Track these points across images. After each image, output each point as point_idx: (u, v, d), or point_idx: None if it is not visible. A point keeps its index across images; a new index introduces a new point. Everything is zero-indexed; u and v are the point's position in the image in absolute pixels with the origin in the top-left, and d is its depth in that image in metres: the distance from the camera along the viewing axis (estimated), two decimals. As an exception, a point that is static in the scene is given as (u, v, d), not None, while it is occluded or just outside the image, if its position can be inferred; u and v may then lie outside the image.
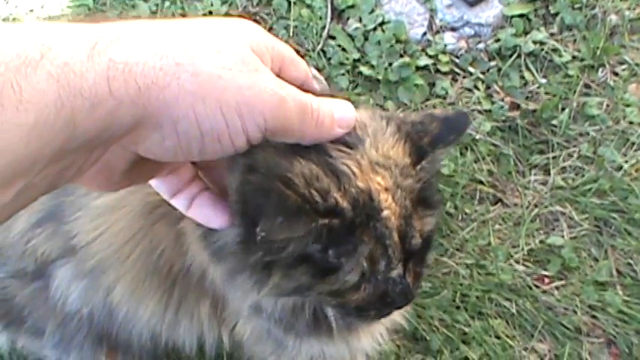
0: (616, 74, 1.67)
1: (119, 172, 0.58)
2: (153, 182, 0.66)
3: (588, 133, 1.60)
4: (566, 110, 1.61)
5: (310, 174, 0.63)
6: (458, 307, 1.44)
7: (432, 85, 1.70)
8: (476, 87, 1.69)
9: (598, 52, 1.66)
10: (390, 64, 1.70)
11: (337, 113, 0.62)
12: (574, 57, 1.69)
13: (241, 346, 1.08)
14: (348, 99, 0.66)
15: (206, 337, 1.03)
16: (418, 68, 1.70)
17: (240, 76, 0.52)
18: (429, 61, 1.71)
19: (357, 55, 1.74)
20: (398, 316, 0.99)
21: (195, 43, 0.51)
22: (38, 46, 0.45)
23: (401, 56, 1.72)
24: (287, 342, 0.95)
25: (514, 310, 1.43)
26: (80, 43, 0.47)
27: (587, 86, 1.66)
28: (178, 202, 0.66)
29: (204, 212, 0.66)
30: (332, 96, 0.64)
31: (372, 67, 1.71)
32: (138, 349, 1.10)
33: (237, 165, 0.64)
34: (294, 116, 0.57)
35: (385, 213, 0.66)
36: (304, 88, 0.60)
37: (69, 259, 1.01)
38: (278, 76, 0.58)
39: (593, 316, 1.43)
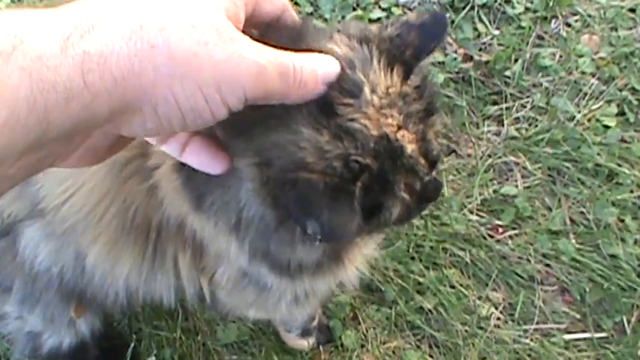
0: (569, 25, 1.67)
1: (104, 150, 0.57)
2: None
3: (541, 84, 1.60)
4: (519, 61, 1.61)
5: (321, 145, 0.62)
6: (412, 258, 1.43)
7: (386, 38, 1.67)
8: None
9: (551, 4, 1.66)
10: (343, 17, 1.67)
11: (321, 70, 0.60)
12: (527, 8, 1.68)
13: (216, 300, 1.05)
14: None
15: (186, 288, 1.00)
16: (371, 21, 1.68)
17: (215, 49, 0.50)
18: (382, 14, 1.69)
19: (310, 9, 1.71)
20: (373, 250, 1.00)
21: (168, 19, 0.49)
22: (10, 37, 0.43)
23: (354, 9, 1.70)
24: (271, 285, 0.93)
25: (468, 260, 1.42)
26: (54, 35, 0.45)
27: (540, 37, 1.66)
28: (169, 148, 0.64)
29: (201, 159, 0.64)
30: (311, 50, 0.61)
31: (325, 20, 1.69)
32: (112, 305, 1.06)
33: (242, 151, 0.63)
34: (276, 82, 0.55)
35: (409, 149, 0.66)
36: (283, 25, 0.59)
37: (37, 219, 0.97)
38: (254, 14, 0.56)
39: (547, 265, 1.43)
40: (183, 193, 0.76)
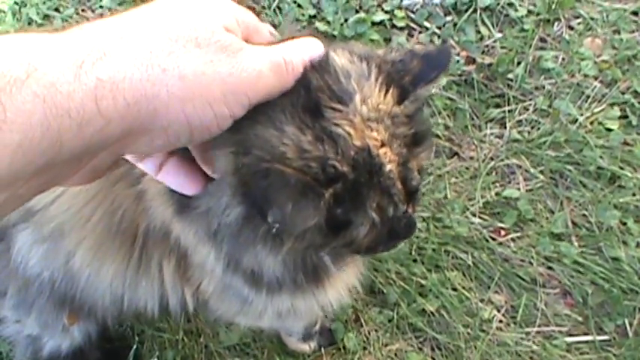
0: (571, 28, 1.67)
1: (103, 169, 0.58)
2: None
3: (544, 87, 1.59)
4: (522, 64, 1.60)
5: (302, 144, 0.62)
6: (415, 260, 1.43)
7: (388, 40, 1.68)
8: (432, 42, 1.67)
9: (553, 6, 1.66)
10: (346, 20, 1.67)
11: (307, 54, 0.62)
12: (530, 11, 1.68)
13: (206, 307, 1.06)
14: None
15: (170, 296, 1.01)
16: (374, 24, 1.68)
17: (221, 65, 0.53)
18: (385, 17, 1.68)
19: (312, 12, 1.71)
20: (355, 278, 1.00)
21: (175, 42, 0.51)
22: (24, 64, 0.44)
23: (357, 12, 1.69)
24: (251, 298, 0.93)
25: (470, 263, 1.42)
26: (67, 62, 0.46)
27: (542, 40, 1.65)
28: (146, 167, 0.65)
29: (176, 179, 0.66)
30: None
31: (328, 23, 1.69)
32: (102, 311, 1.07)
33: (224, 141, 0.63)
34: (273, 80, 0.58)
35: (387, 167, 0.65)
36: None
37: (28, 223, 0.98)
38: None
39: (549, 267, 1.43)
40: (169, 197, 0.77)
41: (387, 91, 0.66)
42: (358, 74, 0.66)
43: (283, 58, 0.59)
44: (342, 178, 0.63)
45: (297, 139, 0.62)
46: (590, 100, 1.56)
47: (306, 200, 0.62)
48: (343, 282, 0.95)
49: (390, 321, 1.38)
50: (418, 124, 0.69)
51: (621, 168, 1.48)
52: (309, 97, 0.63)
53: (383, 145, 0.65)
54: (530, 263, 1.42)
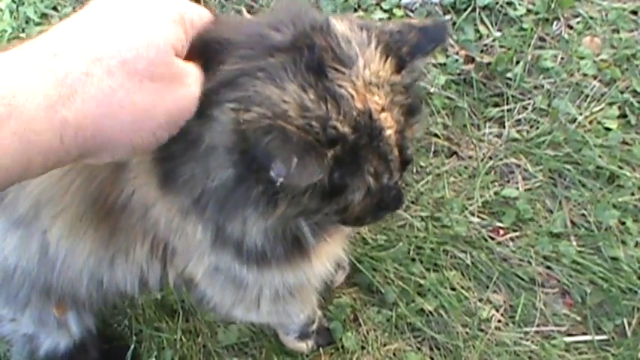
0: (570, 27, 1.66)
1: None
2: None
3: (543, 86, 1.59)
4: (521, 63, 1.60)
5: (305, 102, 0.63)
6: (413, 260, 1.42)
7: (387, 39, 1.67)
8: (430, 40, 1.66)
9: (552, 5, 1.65)
10: (345, 19, 1.67)
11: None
12: (529, 10, 1.67)
13: (202, 300, 1.06)
14: None
15: (149, 277, 0.99)
16: (373, 22, 1.68)
17: (168, 95, 0.61)
18: (384, 15, 1.68)
19: (310, 10, 1.70)
20: (340, 249, 0.99)
21: (133, 77, 0.58)
22: (6, 105, 0.52)
23: (355, 10, 1.69)
24: (244, 277, 0.93)
25: (469, 262, 1.42)
26: (41, 101, 0.54)
27: (541, 39, 1.65)
28: None
29: None
30: None
31: (326, 21, 1.68)
32: (87, 298, 1.05)
33: (222, 98, 0.64)
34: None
35: (387, 132, 0.67)
36: None
37: (3, 210, 0.95)
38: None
39: (548, 267, 1.43)
40: (153, 169, 0.78)
41: (385, 61, 0.68)
42: (358, 42, 0.68)
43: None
44: (343, 140, 0.65)
45: (300, 97, 0.63)
46: (589, 100, 1.56)
47: (309, 156, 0.62)
48: (328, 253, 0.95)
49: (388, 320, 1.38)
50: (413, 95, 0.72)
51: (620, 167, 1.47)
52: (313, 56, 0.64)
53: (383, 110, 0.67)
54: (529, 263, 1.42)
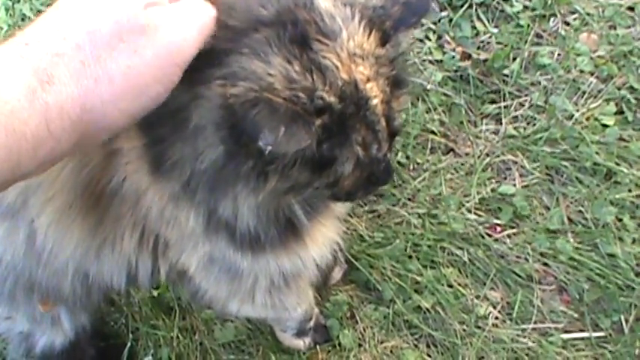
0: (567, 24, 1.66)
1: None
2: None
3: (540, 83, 1.59)
4: (518, 60, 1.60)
5: (290, 74, 0.64)
6: (410, 257, 1.42)
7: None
8: (427, 37, 1.66)
9: (549, 2, 1.65)
10: (341, 16, 1.66)
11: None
12: (525, 7, 1.67)
13: (196, 293, 1.04)
14: None
15: (138, 271, 0.97)
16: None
17: (145, 50, 0.58)
18: (381, 12, 1.67)
19: (307, 7, 1.69)
20: (335, 233, 0.99)
21: (102, 42, 0.56)
22: None
23: (351, 7, 1.68)
24: (238, 264, 0.92)
25: (466, 259, 1.42)
26: (22, 89, 0.53)
27: (538, 36, 1.65)
28: None
29: None
30: None
31: (323, 19, 1.67)
32: (70, 294, 1.03)
33: (208, 77, 0.65)
34: (199, 39, 0.63)
35: (373, 101, 0.68)
36: None
37: None
38: None
39: (545, 264, 1.42)
40: (144, 155, 0.78)
41: (369, 35, 0.70)
42: (342, 17, 0.69)
43: (208, 15, 0.63)
44: (330, 109, 0.66)
45: (285, 70, 0.65)
46: (586, 96, 1.56)
47: (296, 125, 0.63)
48: (324, 237, 0.95)
49: (385, 318, 1.38)
50: (399, 67, 0.73)
51: (617, 164, 1.47)
52: (297, 30, 0.66)
53: (369, 80, 0.68)
54: (526, 260, 1.42)
